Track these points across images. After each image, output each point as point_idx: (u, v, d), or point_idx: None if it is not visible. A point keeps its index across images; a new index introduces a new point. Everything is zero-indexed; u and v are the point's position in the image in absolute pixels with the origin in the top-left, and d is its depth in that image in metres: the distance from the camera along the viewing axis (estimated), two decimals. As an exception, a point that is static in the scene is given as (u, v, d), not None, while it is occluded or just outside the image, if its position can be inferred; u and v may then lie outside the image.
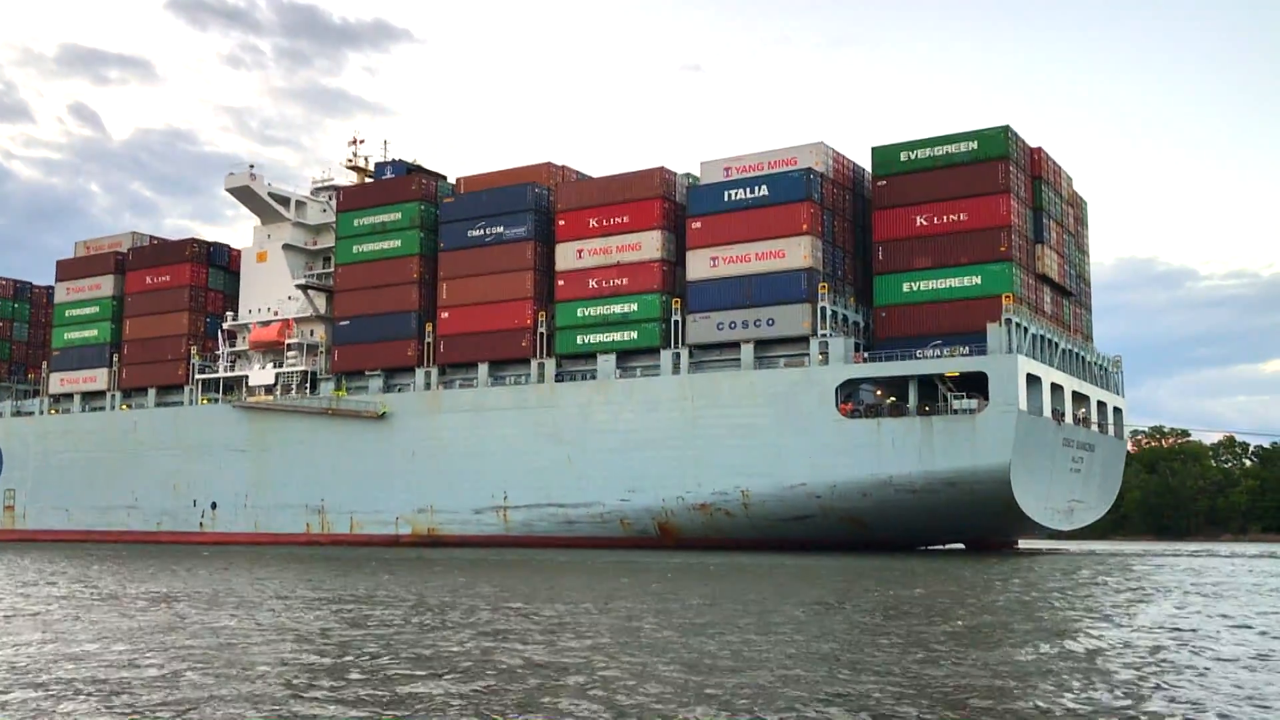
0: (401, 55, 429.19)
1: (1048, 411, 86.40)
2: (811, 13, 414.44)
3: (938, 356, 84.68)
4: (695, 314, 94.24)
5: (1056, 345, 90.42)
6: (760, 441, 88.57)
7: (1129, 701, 19.05)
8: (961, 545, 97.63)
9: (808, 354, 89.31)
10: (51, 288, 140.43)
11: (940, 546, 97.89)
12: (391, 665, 22.76)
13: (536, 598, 39.80)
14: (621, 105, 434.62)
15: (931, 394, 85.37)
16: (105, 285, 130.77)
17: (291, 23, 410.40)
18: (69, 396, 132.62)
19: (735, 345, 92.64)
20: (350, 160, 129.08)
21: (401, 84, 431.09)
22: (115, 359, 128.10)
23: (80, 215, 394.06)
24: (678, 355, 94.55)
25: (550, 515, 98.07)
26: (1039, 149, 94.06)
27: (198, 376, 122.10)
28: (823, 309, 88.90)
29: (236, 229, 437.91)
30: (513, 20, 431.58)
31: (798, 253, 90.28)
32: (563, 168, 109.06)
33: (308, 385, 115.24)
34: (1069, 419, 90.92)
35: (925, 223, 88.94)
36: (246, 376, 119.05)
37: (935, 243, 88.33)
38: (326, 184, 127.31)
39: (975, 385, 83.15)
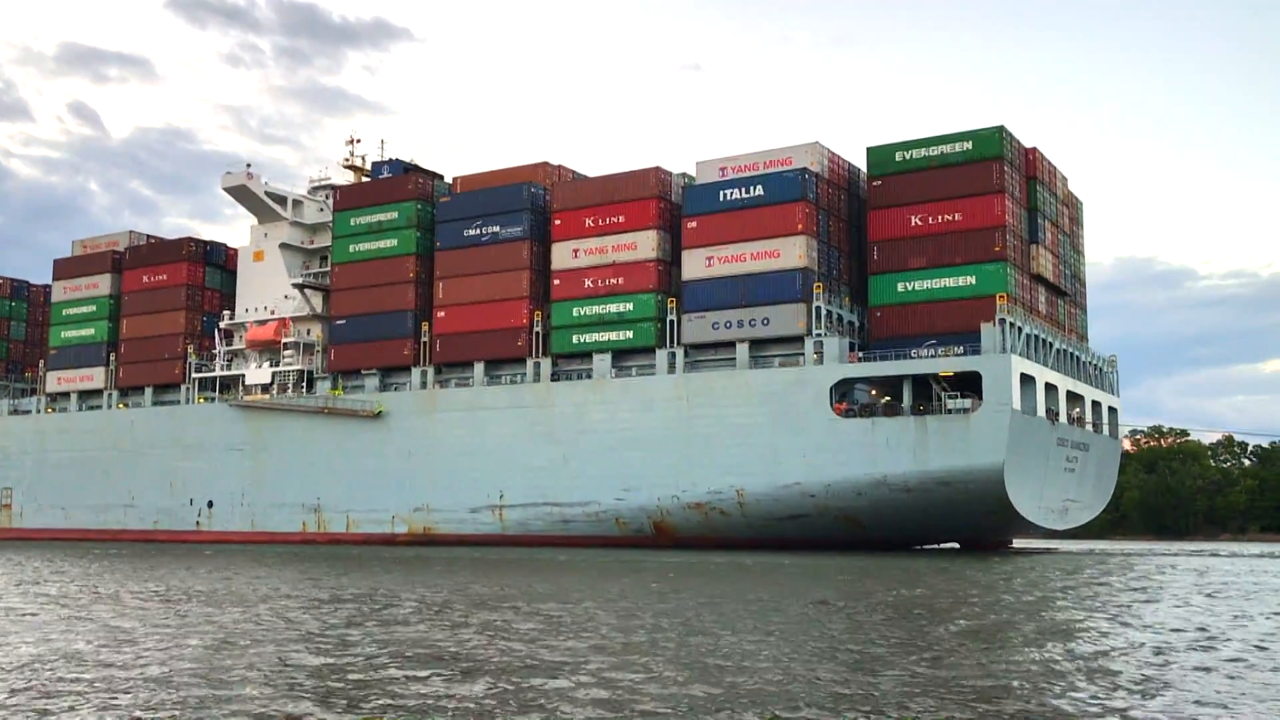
0: (401, 54, 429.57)
1: (1042, 411, 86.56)
2: (812, 12, 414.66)
3: (932, 356, 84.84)
4: (690, 313, 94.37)
5: (1051, 345, 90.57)
6: (755, 441, 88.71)
7: (1143, 701, 19.15)
8: (956, 545, 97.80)
9: (803, 353, 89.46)
10: (49, 287, 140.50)
11: (935, 546, 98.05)
12: (396, 665, 22.78)
13: (539, 597, 39.83)
14: (621, 105, 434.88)
15: (926, 394, 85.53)
16: (102, 284, 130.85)
17: (291, 22, 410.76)
18: (66, 395, 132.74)
19: (730, 345, 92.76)
20: (347, 159, 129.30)
21: (401, 83, 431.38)
22: (112, 358, 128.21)
23: (79, 214, 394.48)
24: (673, 355, 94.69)
25: (546, 514, 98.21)
26: (1034, 149, 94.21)
27: (194, 375, 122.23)
28: (818, 309, 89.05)
29: (235, 228, 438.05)
30: (513, 20, 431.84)
31: (793, 252, 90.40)
32: (559, 167, 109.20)
33: (304, 384, 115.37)
34: (1063, 419, 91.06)
35: (920, 223, 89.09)
36: (243, 375, 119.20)
37: (930, 243, 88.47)
38: (324, 183, 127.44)
39: (970, 385, 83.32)
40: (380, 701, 18.68)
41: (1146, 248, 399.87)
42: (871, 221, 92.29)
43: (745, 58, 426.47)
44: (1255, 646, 26.97)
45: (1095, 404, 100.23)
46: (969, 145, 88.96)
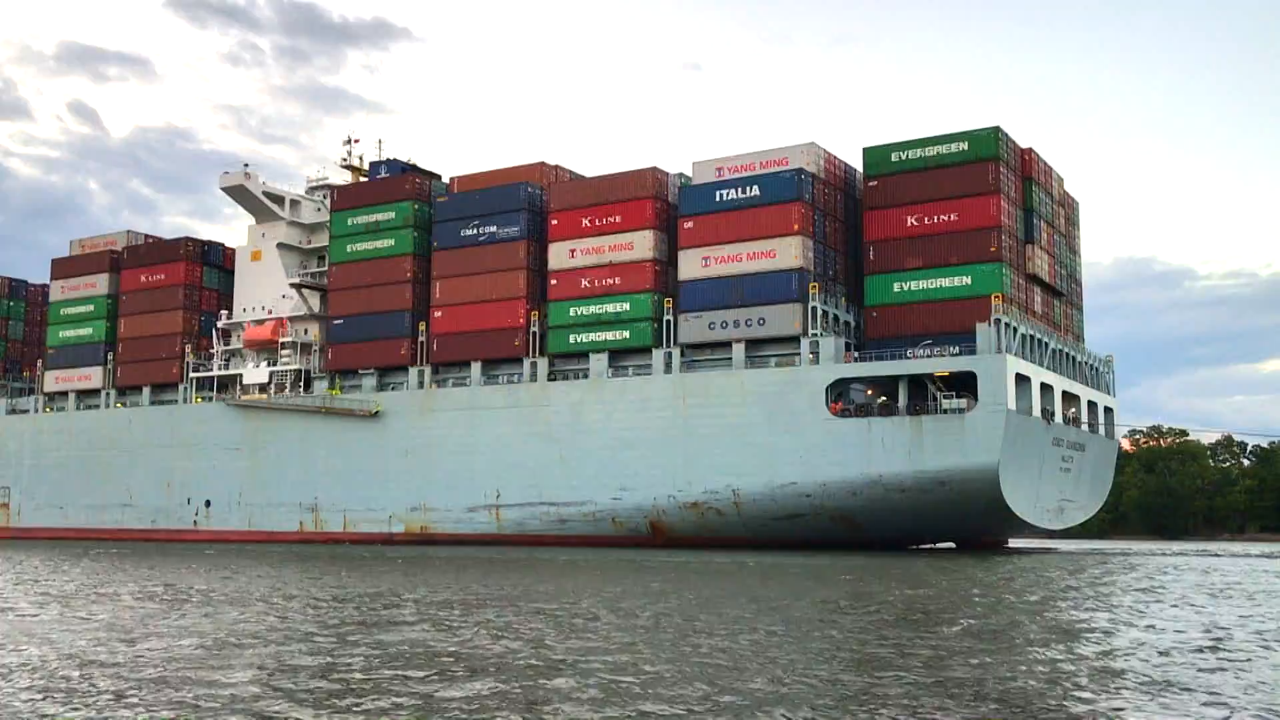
0: (401, 54, 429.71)
1: (1037, 411, 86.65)
2: (812, 12, 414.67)
3: (927, 356, 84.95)
4: (687, 313, 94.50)
5: (1046, 345, 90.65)
6: (751, 441, 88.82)
7: (1156, 702, 19.27)
8: (952, 545, 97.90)
9: (798, 354, 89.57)
10: (47, 286, 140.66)
11: (931, 546, 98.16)
12: (396, 665, 22.82)
13: (543, 598, 39.83)
14: (621, 105, 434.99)
15: (921, 394, 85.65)
16: (100, 284, 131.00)
17: (291, 21, 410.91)
18: (64, 395, 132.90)
19: (727, 345, 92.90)
20: (345, 159, 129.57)
21: (401, 82, 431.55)
22: (110, 357, 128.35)
23: (79, 213, 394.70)
24: (669, 355, 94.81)
25: (543, 514, 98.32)
26: (1029, 150, 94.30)
27: (192, 375, 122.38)
28: (813, 309, 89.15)
29: (235, 227, 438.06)
30: (514, 19, 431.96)
31: (789, 253, 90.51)
32: (556, 167, 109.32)
33: (302, 384, 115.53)
34: (1059, 419, 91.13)
35: (916, 223, 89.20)
36: (241, 375, 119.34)
37: (926, 243, 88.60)
38: (321, 183, 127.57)
39: (965, 385, 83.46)
40: (380, 702, 18.71)
41: (1146, 248, 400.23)
42: (867, 222, 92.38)
43: (745, 57, 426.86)
44: (1262, 648, 26.96)
45: (1091, 404, 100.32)
46: (965, 146, 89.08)
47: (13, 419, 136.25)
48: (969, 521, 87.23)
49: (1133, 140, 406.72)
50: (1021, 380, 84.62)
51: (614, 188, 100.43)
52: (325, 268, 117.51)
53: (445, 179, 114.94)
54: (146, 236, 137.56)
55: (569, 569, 60.50)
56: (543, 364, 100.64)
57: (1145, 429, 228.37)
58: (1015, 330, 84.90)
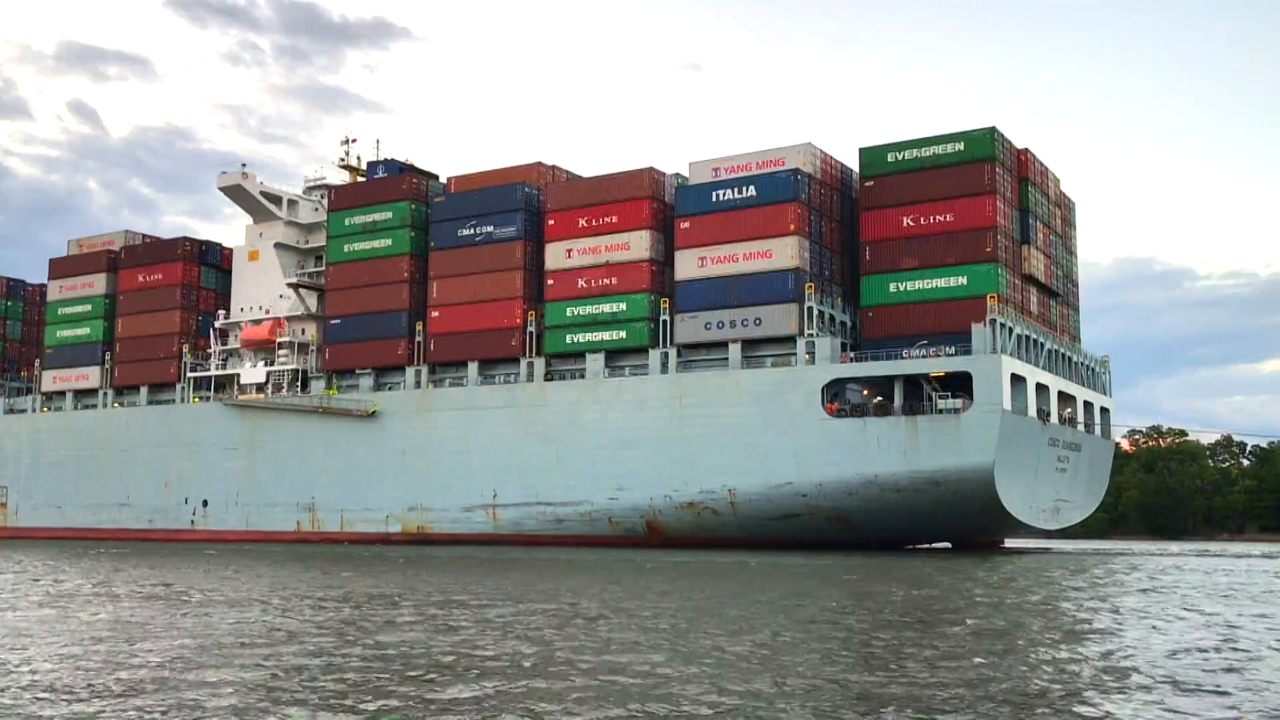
0: (401, 53, 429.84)
1: (1033, 411, 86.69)
2: (812, 12, 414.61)
3: (923, 357, 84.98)
4: (683, 314, 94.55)
5: (1042, 345, 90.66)
6: (747, 441, 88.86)
7: (1167, 702, 19.31)
8: (948, 545, 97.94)
9: (795, 354, 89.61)
10: (45, 286, 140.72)
11: (927, 546, 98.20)
12: (398, 665, 22.81)
13: (544, 597, 39.79)
14: (622, 105, 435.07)
15: (917, 394, 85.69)
16: (98, 283, 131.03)
17: (291, 20, 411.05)
18: (61, 394, 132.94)
19: (723, 345, 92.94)
20: (342, 159, 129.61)
21: (401, 82, 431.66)
22: (107, 357, 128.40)
23: (78, 213, 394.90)
24: (666, 355, 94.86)
25: (539, 514, 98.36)
26: (1025, 150, 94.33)
27: (189, 375, 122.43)
28: (810, 309, 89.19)
29: (234, 227, 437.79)
30: (515, 19, 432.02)
31: (785, 253, 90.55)
32: (553, 167, 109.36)
33: (299, 384, 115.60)
34: (1054, 419, 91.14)
35: (912, 223, 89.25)
36: (238, 375, 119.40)
37: (922, 243, 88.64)
38: (319, 183, 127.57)
39: (960, 385, 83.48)
40: (381, 702, 18.72)
41: (1145, 248, 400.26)
42: (864, 222, 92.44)
43: (745, 57, 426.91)
44: (1270, 649, 26.93)
45: (1087, 404, 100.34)
46: (961, 146, 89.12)
47: (10, 419, 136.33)
48: (964, 522, 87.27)
49: (1133, 140, 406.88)
50: (1017, 380, 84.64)
51: (611, 188, 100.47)
52: (322, 268, 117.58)
53: (443, 179, 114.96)
54: (144, 236, 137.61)
55: (568, 569, 60.50)
56: (539, 364, 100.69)
57: (1145, 429, 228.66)
58: (1011, 331, 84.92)
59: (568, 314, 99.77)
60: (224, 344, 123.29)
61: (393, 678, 21.21)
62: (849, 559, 72.12)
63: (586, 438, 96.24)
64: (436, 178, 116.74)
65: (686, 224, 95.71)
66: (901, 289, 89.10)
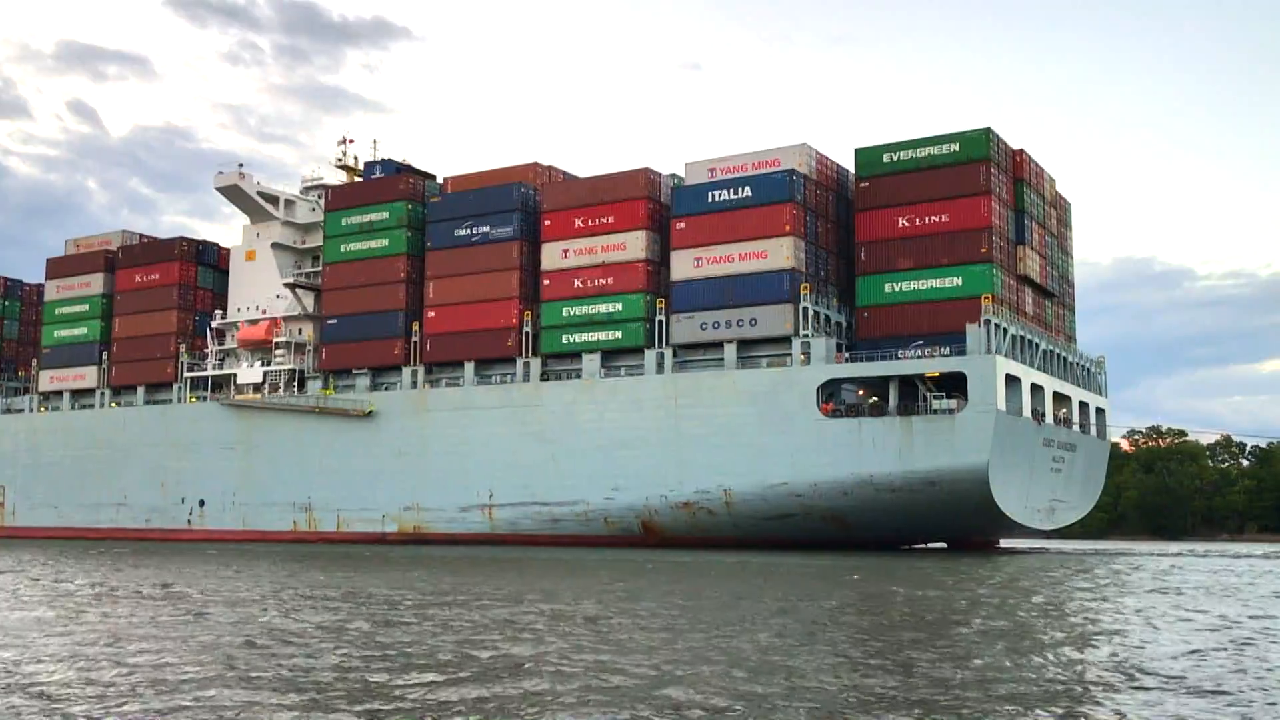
0: (401, 53, 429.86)
1: (1027, 412, 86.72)
2: (812, 12, 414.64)
3: (918, 357, 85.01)
4: (679, 314, 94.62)
5: (1037, 346, 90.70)
6: (742, 441, 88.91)
7: (1176, 700, 19.38)
8: (944, 545, 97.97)
9: (790, 354, 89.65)
10: (42, 285, 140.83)
11: (923, 546, 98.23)
12: (398, 665, 22.82)
13: (545, 598, 39.73)
14: (623, 105, 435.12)
15: (912, 394, 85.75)
16: (95, 283, 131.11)
17: (291, 20, 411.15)
18: (59, 394, 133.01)
19: (718, 345, 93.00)
20: (340, 159, 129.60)
21: (400, 81, 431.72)
22: (105, 357, 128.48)
23: (78, 212, 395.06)
24: (661, 355, 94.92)
25: (535, 513, 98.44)
26: (1021, 151, 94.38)
27: (186, 375, 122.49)
28: (805, 309, 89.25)
29: (233, 226, 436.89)
30: (515, 18, 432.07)
31: (780, 253, 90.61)
32: (549, 168, 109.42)
33: (295, 384, 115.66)
34: (1049, 419, 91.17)
35: (907, 224, 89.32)
36: (235, 375, 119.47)
37: (917, 244, 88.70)
38: (316, 183, 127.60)
39: (955, 385, 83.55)
40: (382, 702, 18.71)
41: (1145, 248, 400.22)
42: (859, 223, 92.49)
43: (745, 58, 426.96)
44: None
45: (1083, 405, 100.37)
46: (956, 147, 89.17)
47: (8, 418, 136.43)
48: (959, 522, 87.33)
49: (1133, 140, 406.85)
50: (1012, 381, 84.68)
51: (607, 188, 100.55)
52: (319, 268, 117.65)
53: (440, 179, 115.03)
54: (141, 236, 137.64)
55: (568, 569, 60.50)
56: (535, 364, 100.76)
57: (1144, 429, 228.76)
58: (1005, 331, 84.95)
59: (564, 314, 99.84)
60: (221, 344, 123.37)
61: (393, 677, 21.19)
62: (848, 559, 72.10)
63: (582, 438, 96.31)
64: (434, 178, 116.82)
65: (682, 224, 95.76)
66: (897, 289, 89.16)
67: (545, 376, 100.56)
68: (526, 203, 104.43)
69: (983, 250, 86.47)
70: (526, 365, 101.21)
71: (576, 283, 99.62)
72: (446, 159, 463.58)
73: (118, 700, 18.95)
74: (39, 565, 64.24)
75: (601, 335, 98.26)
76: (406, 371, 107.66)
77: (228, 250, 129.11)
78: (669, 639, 27.33)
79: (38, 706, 18.41)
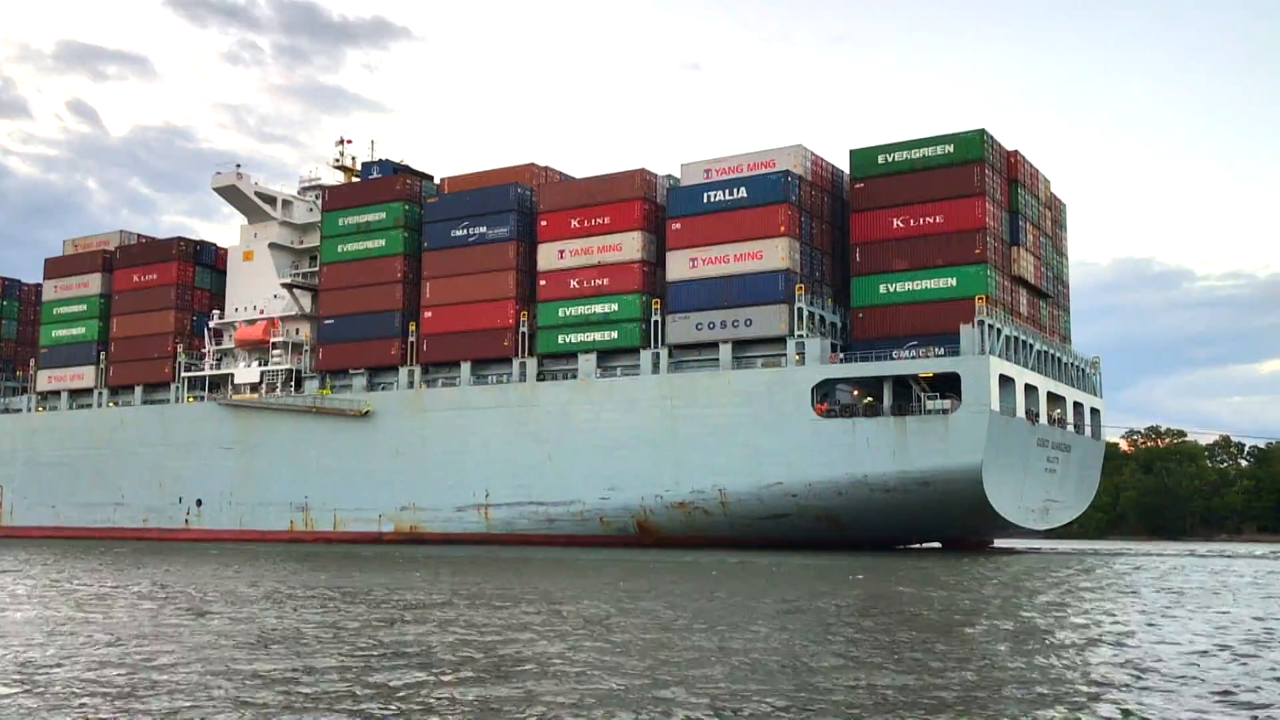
0: (401, 53, 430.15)
1: (1021, 412, 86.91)
2: (812, 12, 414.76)
3: (912, 358, 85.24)
4: (675, 314, 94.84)
5: (1031, 346, 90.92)
6: (737, 441, 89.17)
7: (1185, 699, 19.52)
8: (939, 545, 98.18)
9: (785, 354, 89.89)
10: (40, 285, 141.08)
11: (917, 546, 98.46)
12: (398, 665, 22.88)
13: (544, 597, 39.84)
14: (623, 106, 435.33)
15: (906, 394, 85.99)
16: (93, 283, 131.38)
17: (291, 20, 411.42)
18: (56, 394, 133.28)
19: (714, 345, 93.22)
20: (337, 160, 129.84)
21: (400, 81, 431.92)
22: (102, 357, 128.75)
23: (77, 212, 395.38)
24: (657, 355, 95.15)
25: (531, 513, 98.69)
26: (1015, 152, 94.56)
27: (184, 374, 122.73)
28: (800, 310, 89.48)
29: (233, 226, 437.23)
30: (514, 19, 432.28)
31: (775, 254, 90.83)
32: (545, 168, 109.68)
33: (293, 383, 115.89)
34: (1044, 420, 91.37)
35: (902, 225, 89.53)
36: (232, 375, 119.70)
37: (911, 245, 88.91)
38: (313, 183, 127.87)
39: (949, 386, 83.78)
40: (381, 703, 18.83)
41: (1144, 248, 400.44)
42: (854, 223, 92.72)
43: (744, 58, 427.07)
44: None
45: (1077, 405, 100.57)
46: (950, 148, 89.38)
47: (6, 418, 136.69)
48: (953, 522, 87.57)
49: (1132, 141, 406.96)
50: (1005, 381, 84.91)
51: (603, 189, 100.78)
52: (317, 268, 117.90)
53: (437, 179, 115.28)
54: (139, 236, 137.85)
55: (569, 568, 60.63)
56: (532, 364, 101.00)
57: (1143, 429, 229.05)
58: (999, 332, 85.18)
59: (560, 314, 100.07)
60: (218, 344, 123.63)
61: (393, 677, 21.29)
62: (849, 559, 72.21)
63: (578, 438, 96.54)
64: (431, 178, 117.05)
65: (678, 225, 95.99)
66: (891, 290, 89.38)
67: (541, 376, 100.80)
68: (523, 203, 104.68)
69: (977, 251, 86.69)
70: (523, 365, 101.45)
71: (572, 283, 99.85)
72: (444, 159, 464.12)
73: (118, 700, 19.08)
74: (38, 565, 64.42)
75: (597, 335, 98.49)
76: (403, 371, 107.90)
77: (225, 250, 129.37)
78: (677, 637, 27.43)
79: (38, 706, 18.56)
